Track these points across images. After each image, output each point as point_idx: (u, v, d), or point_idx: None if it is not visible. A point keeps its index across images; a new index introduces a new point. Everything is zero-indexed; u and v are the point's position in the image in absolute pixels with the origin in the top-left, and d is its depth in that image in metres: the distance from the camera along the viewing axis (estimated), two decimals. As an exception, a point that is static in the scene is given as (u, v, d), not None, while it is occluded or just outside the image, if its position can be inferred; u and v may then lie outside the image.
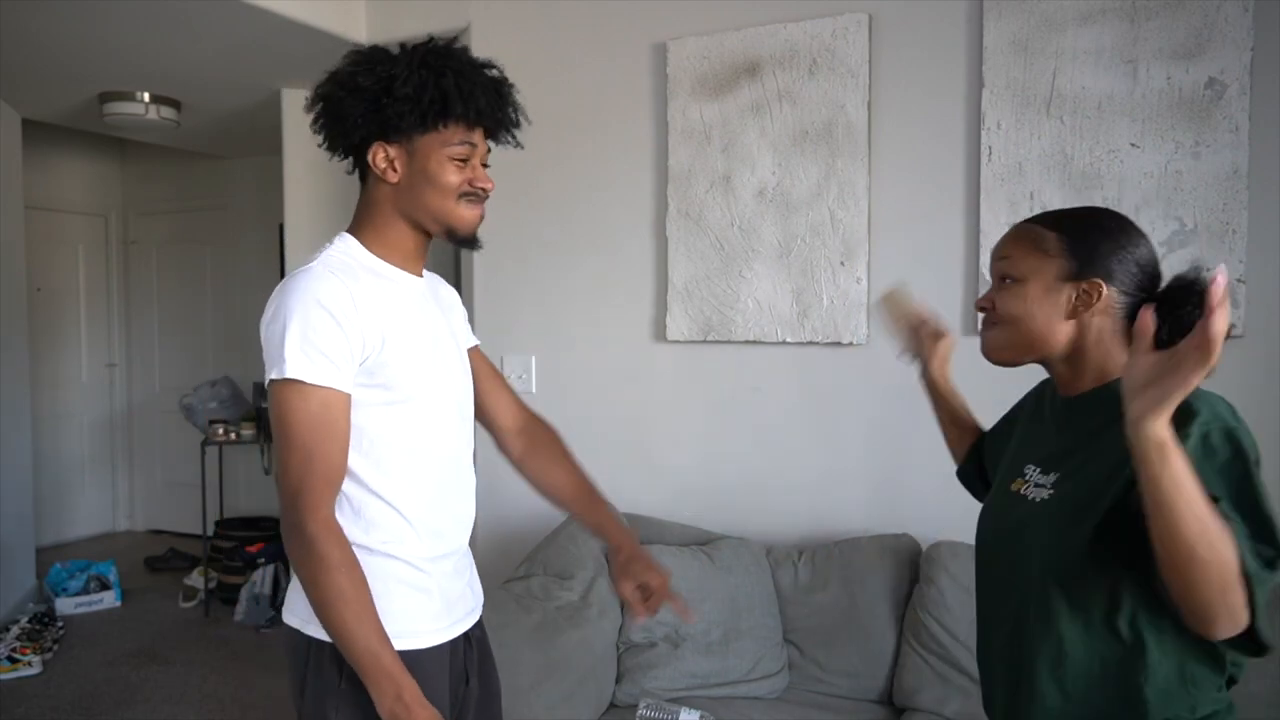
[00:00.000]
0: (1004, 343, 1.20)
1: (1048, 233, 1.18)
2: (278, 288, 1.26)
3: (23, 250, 4.33)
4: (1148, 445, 0.91)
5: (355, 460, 1.26)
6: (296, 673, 1.32)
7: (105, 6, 2.87)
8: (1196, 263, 1.15)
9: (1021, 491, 1.21)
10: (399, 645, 1.23)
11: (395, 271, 1.34)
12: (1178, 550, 0.92)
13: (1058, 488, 1.15)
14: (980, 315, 1.25)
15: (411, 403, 1.30)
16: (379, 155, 1.29)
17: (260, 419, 4.64)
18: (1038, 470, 1.20)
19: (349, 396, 1.23)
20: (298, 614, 1.31)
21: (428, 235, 1.35)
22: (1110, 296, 1.14)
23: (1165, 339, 1.05)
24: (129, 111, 3.90)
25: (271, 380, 1.21)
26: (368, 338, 1.23)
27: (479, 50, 1.40)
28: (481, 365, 1.54)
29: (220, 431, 4.49)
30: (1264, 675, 1.86)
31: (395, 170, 1.29)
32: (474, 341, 1.56)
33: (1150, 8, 2.18)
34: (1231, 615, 0.95)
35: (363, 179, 1.35)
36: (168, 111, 3.99)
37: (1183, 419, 0.98)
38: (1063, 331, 1.16)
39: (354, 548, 1.23)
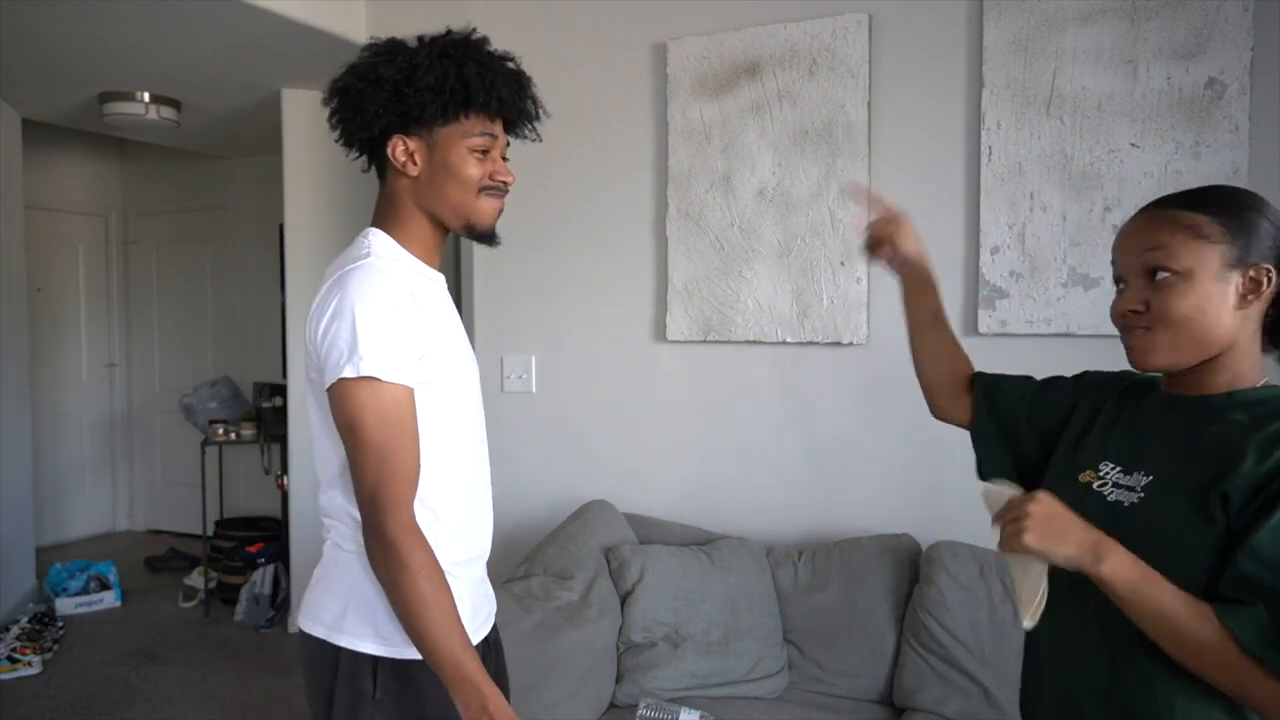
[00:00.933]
0: (1169, 346, 1.05)
1: (1200, 217, 1.04)
2: (333, 284, 1.21)
3: (23, 250, 4.32)
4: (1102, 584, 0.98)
5: None
6: (321, 683, 1.27)
7: (105, 6, 2.87)
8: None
9: (1096, 487, 1.10)
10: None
11: (425, 267, 1.32)
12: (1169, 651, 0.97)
13: (1151, 492, 1.04)
14: (1124, 320, 1.09)
15: (450, 399, 1.27)
16: (399, 148, 1.26)
17: (260, 419, 4.64)
18: (1117, 469, 1.09)
19: (413, 392, 1.20)
20: (323, 621, 1.27)
21: (446, 230, 1.33)
22: (1277, 282, 1.03)
23: None
24: (129, 111, 3.90)
25: (341, 379, 1.16)
26: (423, 333, 1.22)
27: (479, 50, 1.39)
28: None
29: (220, 431, 4.49)
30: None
31: (415, 163, 1.27)
32: None
33: (1150, 8, 2.18)
34: (1269, 704, 0.91)
35: (381, 175, 1.32)
36: (168, 111, 3.99)
37: None
38: (1232, 326, 1.03)
39: None
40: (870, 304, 2.49)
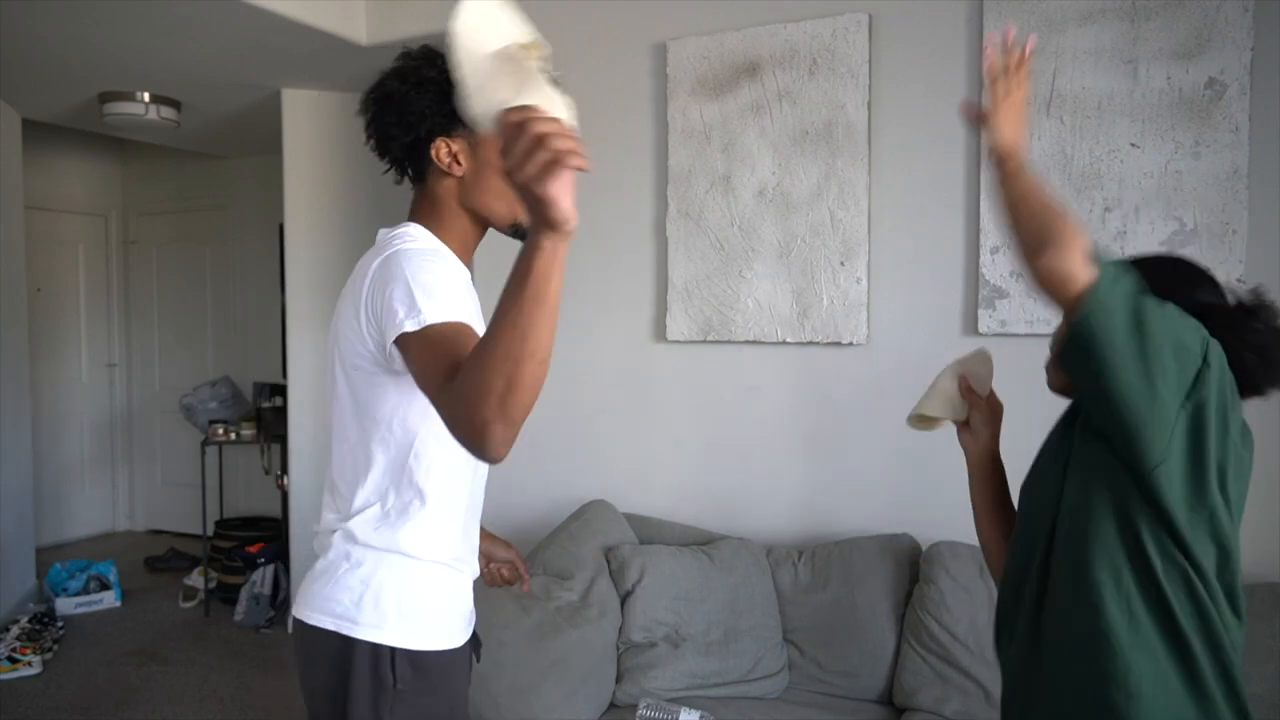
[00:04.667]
0: None
1: None
2: (377, 266, 1.20)
3: (23, 250, 4.32)
4: (995, 159, 1.21)
5: (418, 463, 1.25)
6: (324, 675, 1.26)
7: (105, 6, 2.87)
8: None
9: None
10: (438, 646, 1.24)
11: (458, 260, 1.33)
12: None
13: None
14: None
15: None
16: (442, 149, 1.28)
17: (260, 419, 4.64)
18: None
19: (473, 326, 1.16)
20: (331, 613, 1.25)
21: (484, 229, 1.35)
22: None
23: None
24: (129, 111, 3.90)
25: (403, 334, 1.12)
26: (468, 304, 1.23)
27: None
28: None
29: (220, 431, 4.49)
30: (1264, 676, 1.86)
31: (460, 164, 1.29)
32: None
33: (1150, 8, 2.18)
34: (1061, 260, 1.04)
35: (417, 178, 1.34)
36: (168, 111, 3.99)
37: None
38: None
39: (406, 557, 1.24)
40: (870, 304, 2.49)
